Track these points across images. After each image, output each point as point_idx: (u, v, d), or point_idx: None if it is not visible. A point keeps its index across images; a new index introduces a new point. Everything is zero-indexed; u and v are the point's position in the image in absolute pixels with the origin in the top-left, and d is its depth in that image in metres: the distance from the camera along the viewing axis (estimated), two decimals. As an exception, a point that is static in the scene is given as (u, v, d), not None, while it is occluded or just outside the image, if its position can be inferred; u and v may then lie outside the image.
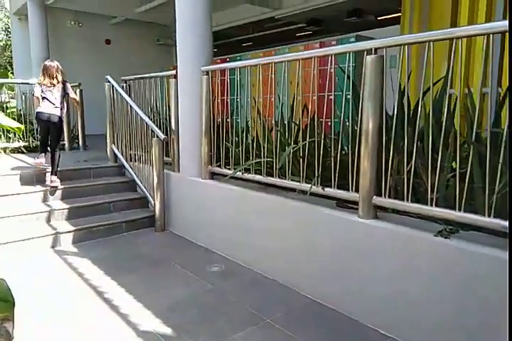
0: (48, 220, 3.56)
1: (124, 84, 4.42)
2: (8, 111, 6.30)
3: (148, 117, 3.95)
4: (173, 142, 3.74)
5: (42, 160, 3.96)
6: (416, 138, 2.05)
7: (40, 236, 3.32)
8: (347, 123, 2.46)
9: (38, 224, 3.48)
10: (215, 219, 3.26)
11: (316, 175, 2.49)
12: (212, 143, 3.33)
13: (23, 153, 5.32)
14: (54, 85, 3.95)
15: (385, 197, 2.16)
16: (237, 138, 3.12)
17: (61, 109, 3.96)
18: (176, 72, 3.53)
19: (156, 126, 3.77)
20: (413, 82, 3.06)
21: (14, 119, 5.44)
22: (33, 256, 3.15)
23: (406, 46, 1.94)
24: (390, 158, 2.15)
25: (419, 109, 1.99)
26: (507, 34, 1.72)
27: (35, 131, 5.53)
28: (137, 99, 4.26)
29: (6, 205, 3.50)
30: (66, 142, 5.79)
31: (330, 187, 2.45)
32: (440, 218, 1.97)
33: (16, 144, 5.34)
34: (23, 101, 6.99)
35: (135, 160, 4.17)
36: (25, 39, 7.92)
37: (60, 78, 3.96)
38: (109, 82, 4.35)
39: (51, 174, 3.86)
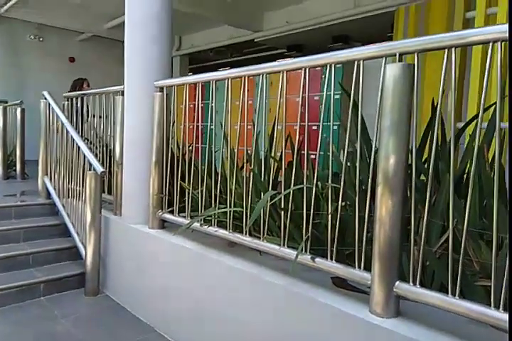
0: None
1: (66, 102, 3.61)
2: None
3: (91, 143, 3.13)
4: (116, 176, 2.90)
5: None
6: (452, 187, 1.30)
7: None
8: (348, 163, 1.71)
9: None
10: (164, 287, 2.37)
11: (304, 237, 1.69)
12: (165, 181, 2.51)
13: None
14: None
15: (413, 283, 1.38)
16: (192, 176, 2.32)
17: None
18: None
19: (98, 155, 2.95)
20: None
21: None
22: None
23: (452, 50, 1.23)
24: (420, 219, 1.40)
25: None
26: None
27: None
28: (80, 120, 3.43)
29: None
30: (0, 169, 4.84)
31: (325, 256, 1.65)
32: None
33: None
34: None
35: (68, 197, 3.27)
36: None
37: None
38: (46, 98, 3.51)
39: None
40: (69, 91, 4.41)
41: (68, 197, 3.31)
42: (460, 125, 2.17)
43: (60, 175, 3.39)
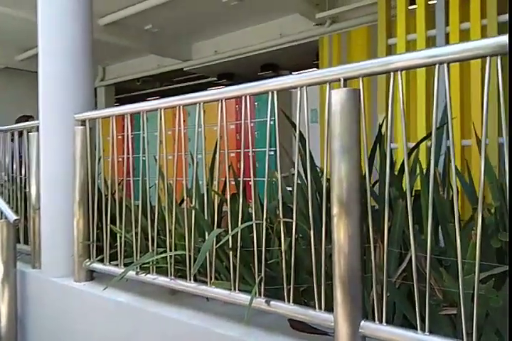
0: None
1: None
2: None
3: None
4: (33, 223, 2.51)
5: None
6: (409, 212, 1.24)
7: None
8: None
9: None
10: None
11: (257, 279, 1.52)
12: (92, 225, 2.21)
13: None
14: None
15: (379, 321, 1.26)
16: (124, 216, 2.05)
17: None
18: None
19: (11, 200, 2.55)
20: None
21: None
22: None
23: (398, 73, 1.18)
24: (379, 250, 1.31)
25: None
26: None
27: None
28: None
29: None
30: None
31: (280, 297, 1.49)
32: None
33: None
34: None
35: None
36: None
37: None
38: None
39: None
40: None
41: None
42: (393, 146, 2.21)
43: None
